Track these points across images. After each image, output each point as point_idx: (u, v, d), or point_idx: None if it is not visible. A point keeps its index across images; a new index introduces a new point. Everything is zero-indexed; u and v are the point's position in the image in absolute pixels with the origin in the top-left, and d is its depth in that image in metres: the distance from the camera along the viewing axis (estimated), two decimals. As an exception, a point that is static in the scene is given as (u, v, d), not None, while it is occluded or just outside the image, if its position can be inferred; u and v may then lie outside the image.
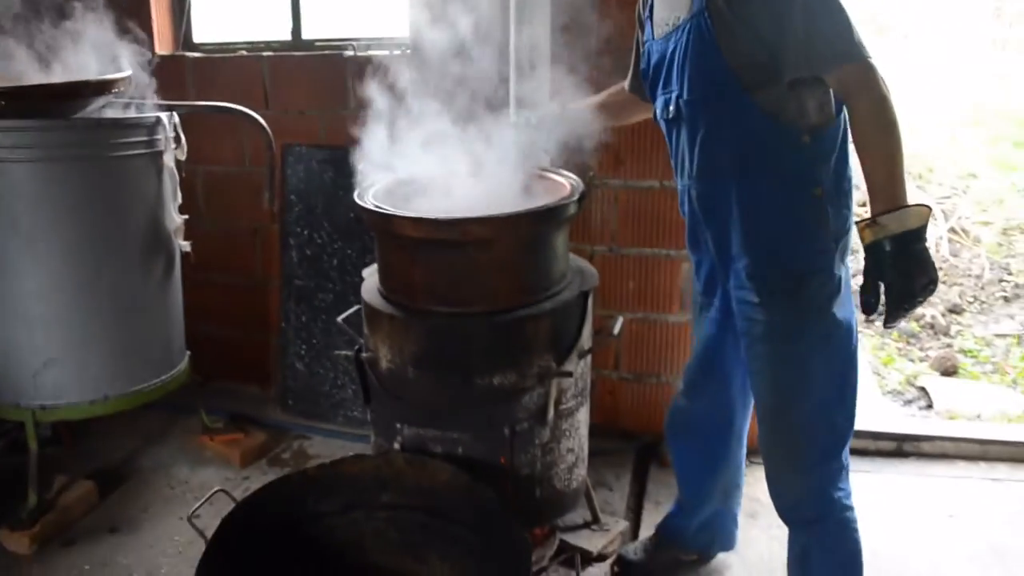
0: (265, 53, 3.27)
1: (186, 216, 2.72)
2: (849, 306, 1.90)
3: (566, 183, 2.17)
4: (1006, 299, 5.02)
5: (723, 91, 1.78)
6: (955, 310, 4.87)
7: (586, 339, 2.17)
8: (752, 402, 2.23)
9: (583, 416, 2.26)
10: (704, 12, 1.75)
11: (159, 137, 2.56)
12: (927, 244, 1.67)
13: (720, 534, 2.43)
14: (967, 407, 3.67)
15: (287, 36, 3.33)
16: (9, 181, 2.34)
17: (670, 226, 2.93)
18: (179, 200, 2.70)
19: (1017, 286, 5.12)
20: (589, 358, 2.22)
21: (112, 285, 2.51)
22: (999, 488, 2.87)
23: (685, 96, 1.85)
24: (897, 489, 2.88)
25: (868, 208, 1.70)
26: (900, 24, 10.38)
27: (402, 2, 3.04)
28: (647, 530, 2.62)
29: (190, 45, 3.44)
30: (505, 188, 2.18)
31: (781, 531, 2.53)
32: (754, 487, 2.85)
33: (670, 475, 2.87)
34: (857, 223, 1.73)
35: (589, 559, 2.44)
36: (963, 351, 4.45)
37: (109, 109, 2.67)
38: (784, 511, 2.03)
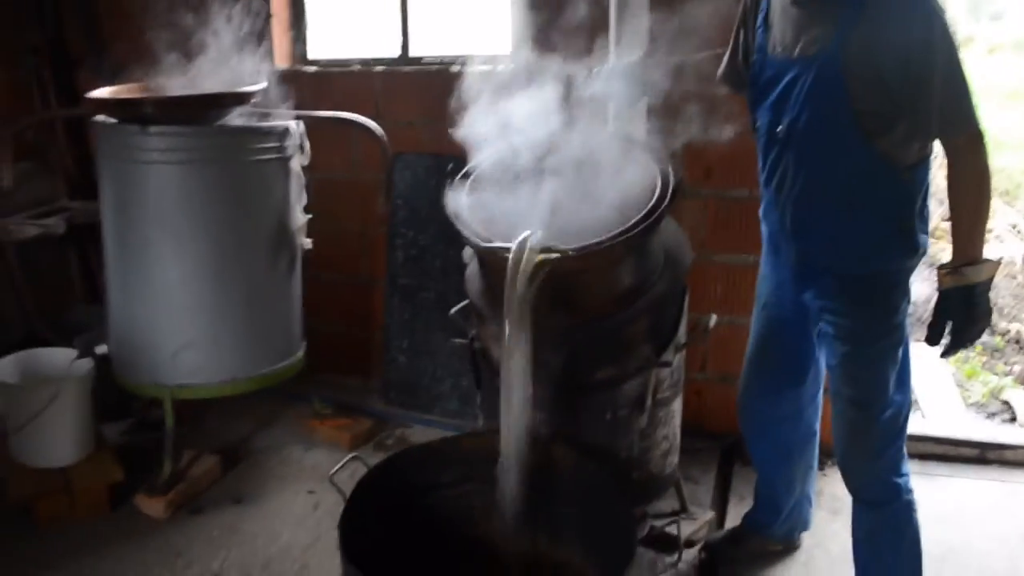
0: (376, 69, 3.52)
1: (310, 216, 2.97)
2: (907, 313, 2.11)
3: (657, 172, 2.14)
4: (1094, 316, 4.97)
5: (842, 130, 1.91)
6: (1041, 326, 4.85)
7: (682, 334, 2.32)
8: (818, 395, 2.42)
9: (677, 407, 2.41)
10: (838, 56, 1.86)
11: (288, 144, 2.81)
12: (991, 294, 1.93)
13: (800, 520, 2.58)
14: (1052, 421, 3.69)
15: (395, 53, 3.57)
16: (160, 181, 2.61)
17: (757, 234, 3.06)
18: (304, 201, 2.95)
19: (1106, 304, 5.06)
20: (684, 352, 2.37)
21: (245, 276, 2.77)
22: (1083, 496, 2.92)
23: (802, 125, 1.97)
24: (979, 493, 2.94)
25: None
26: (985, 38, 10.22)
27: (504, 21, 3.25)
28: (732, 521, 2.75)
29: (305, 61, 3.72)
30: (599, 168, 2.18)
31: (864, 525, 2.60)
32: (834, 486, 2.95)
33: (753, 473, 2.99)
34: (939, 269, 1.94)
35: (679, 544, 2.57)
36: (1048, 367, 4.44)
37: (240, 117, 2.94)
38: (857, 492, 2.22)
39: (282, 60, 3.64)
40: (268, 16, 3.49)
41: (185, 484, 2.86)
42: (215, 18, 3.13)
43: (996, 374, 4.36)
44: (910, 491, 2.16)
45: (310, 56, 3.73)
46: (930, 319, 1.96)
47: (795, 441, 2.44)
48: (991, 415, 3.92)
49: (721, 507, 2.88)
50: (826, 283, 2.10)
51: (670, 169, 2.17)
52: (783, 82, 2.00)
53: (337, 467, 1.92)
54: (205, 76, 3.02)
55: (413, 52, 3.56)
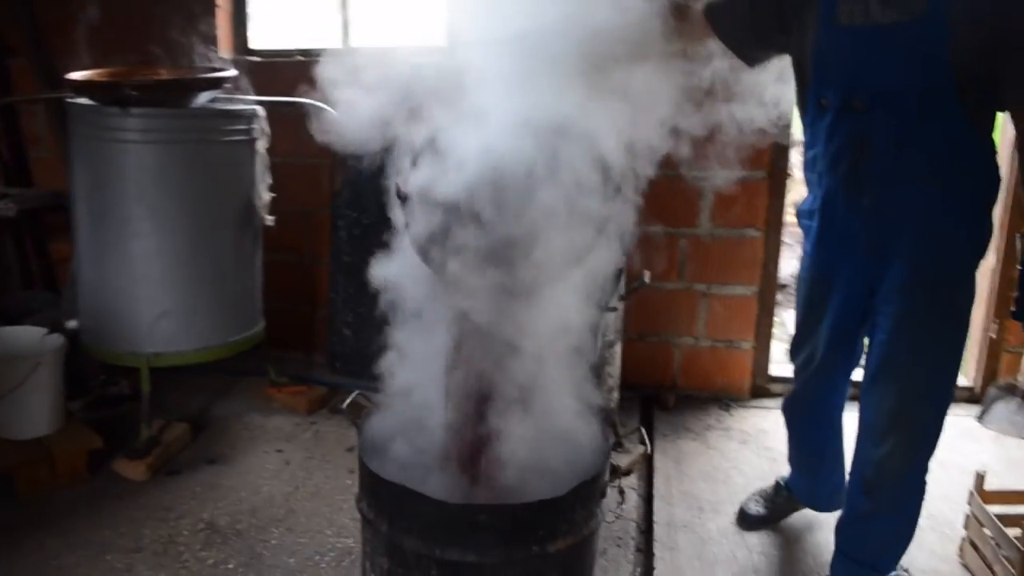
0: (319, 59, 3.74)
1: (273, 194, 3.19)
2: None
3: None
4: None
5: (940, 98, 1.79)
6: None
7: (622, 286, 2.72)
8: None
9: (618, 349, 2.80)
10: (940, 19, 1.74)
11: (255, 127, 3.04)
12: None
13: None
14: None
15: (336, 45, 3.82)
16: (140, 160, 2.79)
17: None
18: (268, 181, 3.17)
19: None
20: (623, 304, 2.77)
21: (217, 249, 2.98)
22: None
23: (893, 95, 1.83)
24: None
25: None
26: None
27: (438, 13, 3.56)
28: (659, 454, 3.16)
29: (247, 51, 3.90)
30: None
31: (768, 451, 3.13)
32: (743, 422, 3.45)
33: (671, 416, 3.48)
34: (1021, 239, 1.94)
35: (618, 473, 2.97)
36: None
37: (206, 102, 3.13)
38: (882, 486, 2.08)
39: (225, 49, 3.81)
40: (214, 6, 3.67)
41: (161, 448, 3.03)
42: (160, 7, 3.31)
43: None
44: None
45: (251, 46, 3.92)
46: (1016, 293, 1.91)
47: (838, 422, 2.43)
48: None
49: (649, 443, 3.29)
50: (902, 272, 1.96)
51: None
52: (864, 51, 1.86)
53: (348, 400, 2.20)
54: (155, 63, 3.21)
55: (354, 43, 3.81)
